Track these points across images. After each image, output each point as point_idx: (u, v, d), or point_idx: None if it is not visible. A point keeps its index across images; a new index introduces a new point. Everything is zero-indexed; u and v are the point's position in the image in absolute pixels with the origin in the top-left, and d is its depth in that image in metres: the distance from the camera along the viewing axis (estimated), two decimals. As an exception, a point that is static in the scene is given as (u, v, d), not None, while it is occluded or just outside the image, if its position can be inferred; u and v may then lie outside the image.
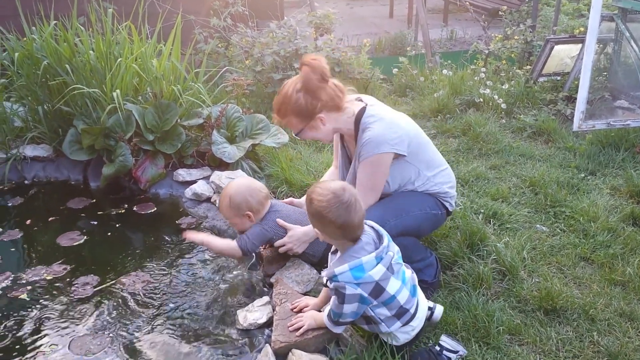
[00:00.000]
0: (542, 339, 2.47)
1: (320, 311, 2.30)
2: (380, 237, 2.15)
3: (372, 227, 2.18)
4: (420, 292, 2.30)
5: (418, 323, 2.23)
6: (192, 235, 2.72)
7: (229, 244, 2.70)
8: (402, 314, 2.16)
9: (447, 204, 2.80)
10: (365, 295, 2.04)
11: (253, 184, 2.85)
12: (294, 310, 2.35)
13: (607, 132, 4.37)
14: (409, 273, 2.25)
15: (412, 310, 2.19)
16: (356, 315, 2.10)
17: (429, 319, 2.46)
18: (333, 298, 2.08)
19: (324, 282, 2.13)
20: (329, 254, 2.26)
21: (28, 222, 3.39)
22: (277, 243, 2.71)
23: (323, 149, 4.30)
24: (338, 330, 2.19)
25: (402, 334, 2.21)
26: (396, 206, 2.64)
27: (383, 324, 2.15)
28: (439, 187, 2.75)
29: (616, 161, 4.13)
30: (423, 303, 2.29)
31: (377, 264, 2.04)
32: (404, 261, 2.62)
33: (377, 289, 2.06)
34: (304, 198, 2.55)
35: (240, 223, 2.78)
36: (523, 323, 2.55)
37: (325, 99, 2.53)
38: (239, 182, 2.90)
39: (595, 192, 3.72)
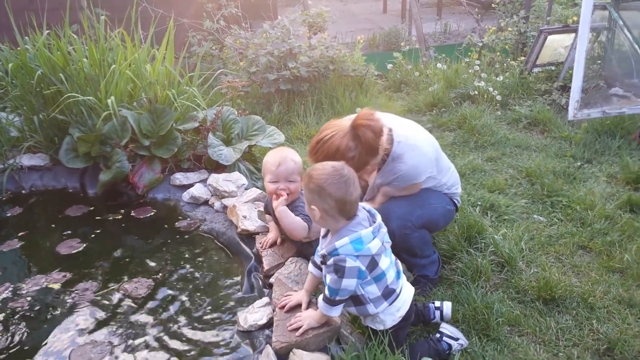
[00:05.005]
0: (542, 328, 2.49)
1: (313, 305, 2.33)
2: (373, 215, 2.20)
3: (364, 208, 2.22)
4: (404, 277, 2.33)
5: (402, 304, 2.26)
6: (278, 206, 2.60)
7: (301, 222, 2.62)
8: (389, 294, 2.20)
9: (455, 201, 2.91)
10: (363, 268, 2.08)
11: None
12: (284, 310, 2.36)
13: (602, 120, 4.38)
14: (393, 258, 2.29)
15: (397, 291, 2.24)
16: (351, 293, 2.14)
17: (440, 318, 2.49)
18: (330, 276, 2.10)
19: (319, 261, 2.18)
20: (320, 238, 2.28)
21: (27, 232, 3.40)
22: None
23: (319, 148, 4.30)
24: (334, 313, 2.19)
25: (389, 315, 2.23)
26: (419, 198, 2.73)
27: (371, 304, 2.19)
28: (449, 188, 2.85)
29: (612, 149, 4.13)
30: (408, 286, 2.33)
31: (374, 238, 2.09)
32: (416, 254, 2.70)
33: (372, 263, 2.12)
34: None
35: (296, 183, 2.67)
36: (522, 314, 2.57)
37: (380, 152, 2.55)
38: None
39: (591, 181, 3.73)
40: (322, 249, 2.19)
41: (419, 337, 2.49)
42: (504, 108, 5.11)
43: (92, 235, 3.33)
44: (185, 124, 3.98)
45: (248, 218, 3.12)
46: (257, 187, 3.56)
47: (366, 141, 2.44)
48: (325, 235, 2.26)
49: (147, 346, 2.41)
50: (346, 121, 2.50)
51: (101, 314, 2.63)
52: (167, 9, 5.22)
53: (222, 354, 2.34)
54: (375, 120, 2.47)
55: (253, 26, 6.44)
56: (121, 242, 3.27)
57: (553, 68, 5.54)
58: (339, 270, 2.06)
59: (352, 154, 2.44)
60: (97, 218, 3.54)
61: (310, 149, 2.52)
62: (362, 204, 2.23)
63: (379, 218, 2.19)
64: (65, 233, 3.35)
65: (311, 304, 2.36)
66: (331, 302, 2.15)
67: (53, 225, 3.49)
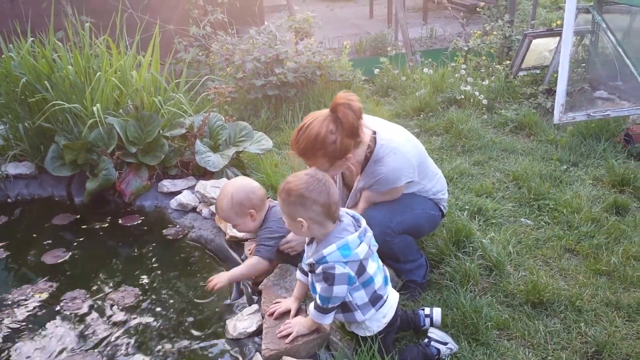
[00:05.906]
0: (530, 332, 2.49)
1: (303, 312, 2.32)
2: (357, 220, 2.20)
3: (348, 213, 2.22)
4: (389, 284, 2.33)
5: (388, 310, 2.26)
6: (218, 283, 2.55)
7: (251, 264, 2.62)
8: (376, 300, 2.20)
9: (441, 207, 2.89)
10: (352, 274, 2.08)
11: (251, 182, 2.75)
12: (273, 317, 2.35)
13: (587, 123, 4.41)
14: (380, 263, 2.29)
15: (384, 297, 2.24)
16: (342, 299, 2.13)
17: (431, 325, 2.49)
18: (320, 284, 2.10)
19: (307, 269, 2.17)
20: (305, 246, 2.28)
21: (12, 241, 3.36)
22: (282, 241, 2.68)
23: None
24: (327, 320, 2.19)
25: (375, 322, 2.23)
26: (401, 204, 2.71)
27: (359, 311, 2.18)
28: (435, 194, 2.83)
29: (597, 152, 4.17)
30: (393, 292, 2.33)
31: (360, 243, 2.09)
32: (399, 259, 2.70)
33: (361, 268, 2.12)
34: None
35: (243, 223, 2.68)
36: (511, 317, 2.57)
37: (360, 137, 2.53)
38: (237, 181, 2.78)
39: (577, 183, 3.75)
40: (308, 256, 2.18)
41: (408, 343, 2.49)
42: (490, 112, 5.14)
43: (79, 244, 3.30)
44: (172, 130, 3.96)
45: (236, 225, 3.11)
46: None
47: (347, 121, 2.40)
48: (310, 243, 2.25)
49: (135, 355, 2.40)
50: (326, 110, 2.48)
51: (89, 323, 2.61)
52: (153, 16, 5.20)
53: (212, 363, 2.33)
54: (354, 100, 2.43)
55: (239, 32, 6.42)
56: (108, 251, 3.25)
57: (538, 72, 5.57)
58: (329, 278, 2.06)
59: (334, 137, 2.41)
60: (83, 227, 3.52)
61: (292, 140, 2.50)
62: (346, 210, 2.23)
63: (363, 222, 2.19)
64: (51, 242, 3.33)
65: (300, 310, 2.36)
66: (323, 310, 2.14)
67: (39, 235, 3.45)
